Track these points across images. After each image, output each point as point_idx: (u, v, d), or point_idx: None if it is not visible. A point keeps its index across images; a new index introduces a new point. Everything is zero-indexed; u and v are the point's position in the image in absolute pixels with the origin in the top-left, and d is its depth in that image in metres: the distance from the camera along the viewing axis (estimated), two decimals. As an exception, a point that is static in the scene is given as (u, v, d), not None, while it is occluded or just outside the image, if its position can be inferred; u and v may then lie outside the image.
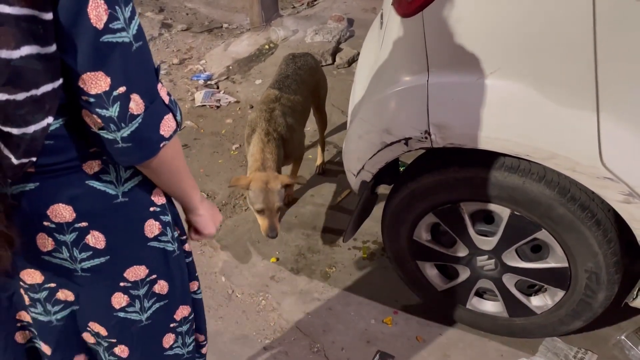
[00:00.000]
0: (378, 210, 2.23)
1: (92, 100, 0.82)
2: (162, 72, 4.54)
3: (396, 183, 2.07)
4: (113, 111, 0.83)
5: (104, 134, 0.85)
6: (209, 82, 4.36)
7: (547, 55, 1.52)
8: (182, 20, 5.62)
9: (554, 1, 1.46)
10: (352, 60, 4.27)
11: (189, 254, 1.24)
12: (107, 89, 0.82)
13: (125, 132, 0.85)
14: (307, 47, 4.45)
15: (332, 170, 3.26)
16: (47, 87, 0.81)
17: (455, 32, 1.63)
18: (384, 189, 2.16)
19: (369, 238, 2.74)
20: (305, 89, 2.90)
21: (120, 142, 0.86)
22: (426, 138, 1.79)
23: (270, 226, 2.39)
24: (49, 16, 0.76)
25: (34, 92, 0.79)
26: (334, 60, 4.31)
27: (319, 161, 3.24)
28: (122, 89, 0.82)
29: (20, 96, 0.79)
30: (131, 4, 0.85)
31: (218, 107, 4.01)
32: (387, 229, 2.16)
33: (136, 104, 0.84)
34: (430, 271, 2.19)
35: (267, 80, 4.22)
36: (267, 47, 4.67)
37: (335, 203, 3.00)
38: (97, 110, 0.83)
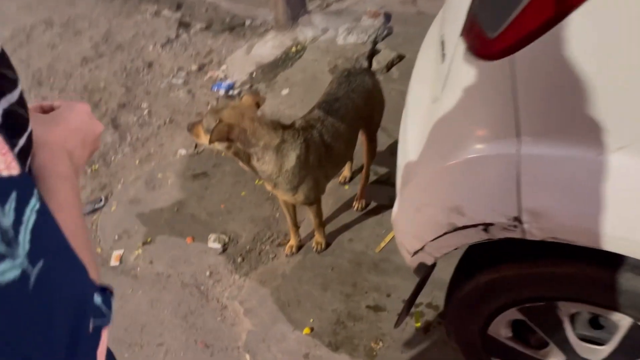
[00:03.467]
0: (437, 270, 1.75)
1: None
2: (179, 80, 4.11)
3: (467, 266, 1.59)
4: None
5: None
6: (230, 93, 3.90)
7: None
8: (201, 17, 5.15)
9: None
10: (392, 64, 3.73)
11: None
12: None
13: None
14: (339, 49, 3.92)
15: (372, 206, 2.77)
16: None
17: (565, 86, 1.12)
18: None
19: (422, 300, 2.27)
20: (356, 116, 2.37)
21: None
22: (515, 227, 1.30)
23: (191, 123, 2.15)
24: None
25: None
26: (370, 64, 3.76)
27: (359, 194, 2.75)
28: None
29: None
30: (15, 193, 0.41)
31: (241, 123, 3.55)
32: (453, 318, 1.68)
33: None
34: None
35: (295, 90, 3.74)
36: (293, 49, 4.17)
37: (380, 250, 2.52)
38: None
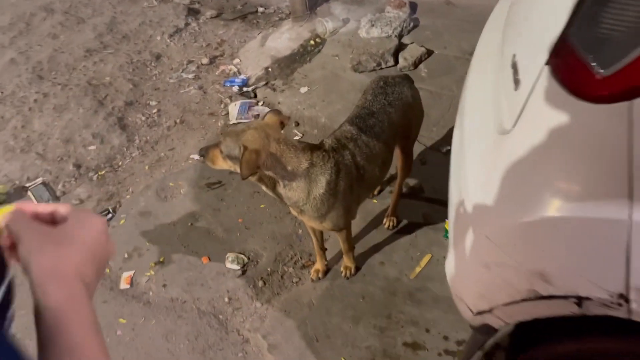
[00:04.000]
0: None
1: None
2: (190, 75, 3.85)
3: (536, 330, 1.36)
4: None
5: None
6: (245, 90, 3.64)
7: None
8: (211, 4, 4.86)
9: None
10: (420, 61, 3.45)
11: None
12: None
13: None
14: (362, 43, 3.64)
15: (403, 223, 2.54)
16: None
17: None
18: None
19: (464, 336, 2.05)
20: (393, 133, 2.10)
21: None
22: (620, 305, 1.07)
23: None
24: None
25: None
26: (396, 61, 3.49)
27: (390, 212, 2.52)
28: None
29: None
30: None
31: (257, 125, 3.30)
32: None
33: None
34: None
35: (315, 88, 3.48)
36: (312, 42, 3.88)
37: (415, 277, 2.30)
38: None
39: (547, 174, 1.16)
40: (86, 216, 0.60)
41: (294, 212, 2.01)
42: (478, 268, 1.31)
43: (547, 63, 1.16)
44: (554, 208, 1.12)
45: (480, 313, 1.35)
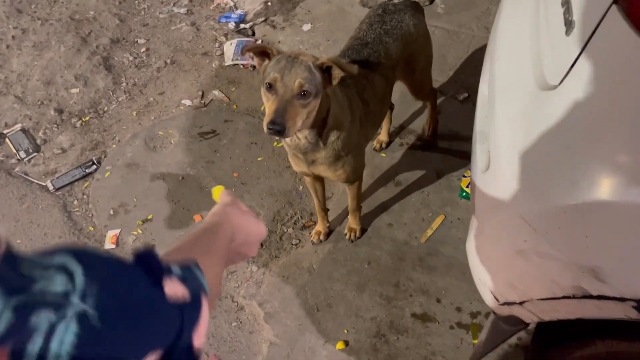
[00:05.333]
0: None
1: None
2: (182, 9, 3.50)
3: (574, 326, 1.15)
4: None
5: None
6: (241, 27, 3.31)
7: None
8: None
9: None
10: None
11: None
12: None
13: None
14: (371, -27, 3.26)
15: (414, 179, 2.31)
16: None
17: None
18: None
19: (479, 308, 1.87)
20: (390, 66, 1.90)
21: None
22: (695, 316, 0.85)
23: (277, 111, 1.41)
24: None
25: None
26: (427, -2, 3.12)
27: (428, 126, 2.45)
28: None
29: None
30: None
31: (255, 66, 3.01)
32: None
33: None
34: None
35: (319, 26, 3.15)
36: (316, -27, 3.49)
37: (426, 240, 2.10)
38: None
39: (605, 145, 0.92)
40: (261, 223, 0.81)
41: (301, 168, 1.78)
42: (509, 254, 1.09)
43: (616, 1, 0.89)
44: (614, 190, 0.88)
45: (507, 304, 1.15)
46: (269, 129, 1.39)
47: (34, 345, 0.35)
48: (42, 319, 0.35)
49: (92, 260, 0.40)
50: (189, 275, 0.53)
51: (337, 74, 1.49)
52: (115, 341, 0.40)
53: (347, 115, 1.68)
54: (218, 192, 0.82)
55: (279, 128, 1.38)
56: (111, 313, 0.39)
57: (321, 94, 1.48)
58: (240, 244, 0.75)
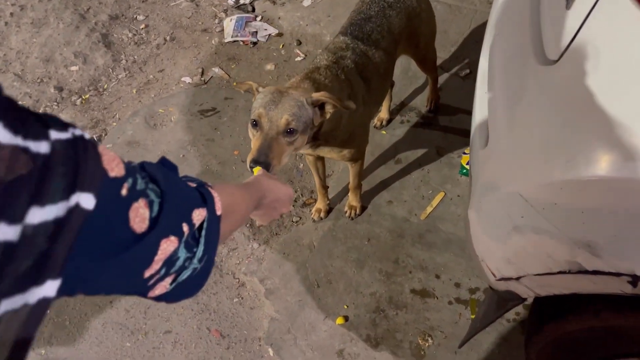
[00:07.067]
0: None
1: None
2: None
3: (574, 302, 1.16)
4: None
5: None
6: (241, 2, 3.27)
7: None
8: None
9: None
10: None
11: None
12: None
13: None
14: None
15: (414, 157, 2.31)
16: None
17: None
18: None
19: (478, 284, 1.89)
20: (393, 41, 1.90)
21: None
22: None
23: (261, 149, 1.36)
24: None
25: None
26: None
27: (429, 99, 2.46)
28: None
29: None
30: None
31: (255, 43, 2.98)
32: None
33: None
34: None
35: (320, 1, 3.11)
36: (317, -53, 3.43)
37: (426, 217, 2.10)
38: None
39: (603, 120, 0.91)
40: (289, 189, 0.99)
41: (304, 149, 1.77)
42: (506, 230, 1.09)
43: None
44: (611, 165, 0.88)
45: (504, 279, 1.16)
46: (251, 167, 1.36)
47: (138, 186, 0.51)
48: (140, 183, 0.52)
49: (148, 163, 0.58)
50: (198, 182, 0.68)
51: (329, 108, 1.47)
52: (176, 194, 0.56)
53: (359, 125, 1.75)
54: (257, 171, 1.09)
55: (262, 167, 1.33)
56: (169, 180, 0.57)
57: (310, 129, 1.46)
58: (273, 200, 0.91)
